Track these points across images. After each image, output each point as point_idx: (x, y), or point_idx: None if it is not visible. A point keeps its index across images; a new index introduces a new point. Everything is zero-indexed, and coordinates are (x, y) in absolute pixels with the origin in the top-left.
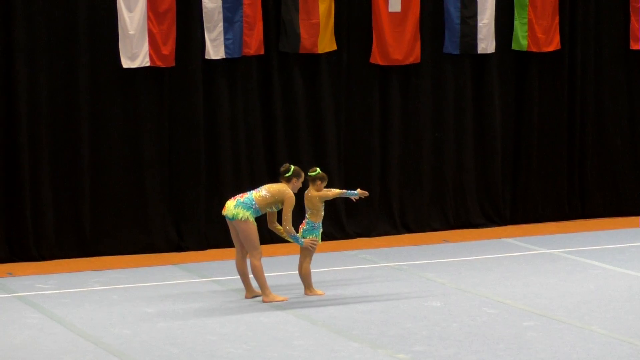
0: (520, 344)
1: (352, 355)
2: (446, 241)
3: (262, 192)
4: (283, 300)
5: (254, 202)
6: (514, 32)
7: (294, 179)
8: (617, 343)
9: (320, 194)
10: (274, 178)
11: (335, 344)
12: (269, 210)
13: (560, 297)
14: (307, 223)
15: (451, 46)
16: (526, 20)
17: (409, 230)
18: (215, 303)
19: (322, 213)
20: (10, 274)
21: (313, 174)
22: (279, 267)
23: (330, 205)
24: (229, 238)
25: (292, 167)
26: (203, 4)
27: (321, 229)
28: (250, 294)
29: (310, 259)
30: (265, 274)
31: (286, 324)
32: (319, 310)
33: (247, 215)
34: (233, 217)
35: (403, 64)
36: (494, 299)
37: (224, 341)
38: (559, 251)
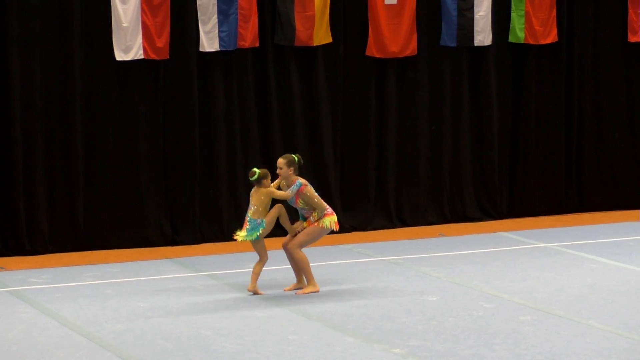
0: (517, 339)
1: (348, 350)
2: (442, 235)
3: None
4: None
5: (255, 221)
6: (511, 25)
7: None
8: (615, 337)
9: (269, 190)
10: (269, 171)
11: (331, 339)
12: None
13: (557, 291)
14: (250, 222)
15: (448, 38)
16: (523, 12)
17: (405, 224)
18: (209, 297)
19: (268, 209)
20: (2, 268)
21: (254, 178)
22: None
23: (326, 199)
24: (223, 232)
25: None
26: None
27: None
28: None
29: (266, 258)
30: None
31: (281, 319)
32: (313, 304)
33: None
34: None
35: (399, 56)
36: (491, 293)
37: (218, 336)
38: (555, 245)
